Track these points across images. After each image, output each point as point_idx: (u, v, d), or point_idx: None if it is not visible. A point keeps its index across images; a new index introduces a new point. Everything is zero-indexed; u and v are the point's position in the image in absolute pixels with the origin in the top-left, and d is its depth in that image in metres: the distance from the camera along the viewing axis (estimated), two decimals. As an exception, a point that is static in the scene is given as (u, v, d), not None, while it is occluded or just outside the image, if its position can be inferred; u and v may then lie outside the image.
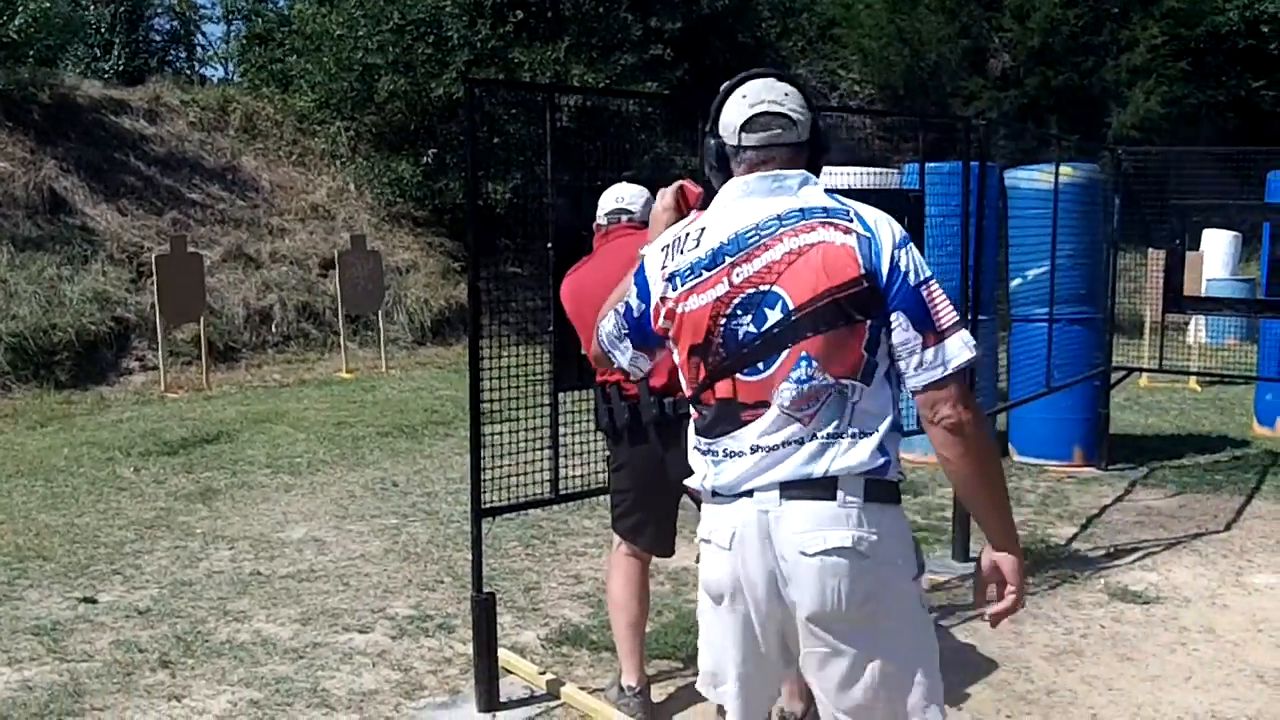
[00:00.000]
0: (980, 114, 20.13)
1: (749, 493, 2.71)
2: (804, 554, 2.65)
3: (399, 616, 5.72)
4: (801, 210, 2.74)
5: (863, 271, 2.66)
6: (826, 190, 2.81)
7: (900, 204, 6.44)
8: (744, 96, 2.84)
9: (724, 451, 2.75)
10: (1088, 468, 9.11)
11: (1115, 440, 9.55)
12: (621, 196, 4.62)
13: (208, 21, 51.29)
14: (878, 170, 9.89)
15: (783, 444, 2.68)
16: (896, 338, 2.68)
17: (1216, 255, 15.77)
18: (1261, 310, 9.38)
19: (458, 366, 13.92)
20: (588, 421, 5.38)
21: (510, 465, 4.93)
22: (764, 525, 2.68)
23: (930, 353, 2.65)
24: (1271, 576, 6.48)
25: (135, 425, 10.52)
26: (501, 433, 4.94)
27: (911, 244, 2.73)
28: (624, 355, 3.00)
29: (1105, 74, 21.16)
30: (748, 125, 2.82)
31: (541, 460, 4.96)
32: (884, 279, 2.67)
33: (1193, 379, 13.08)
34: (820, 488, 2.66)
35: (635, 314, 2.92)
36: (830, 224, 2.71)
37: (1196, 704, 4.85)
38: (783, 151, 2.81)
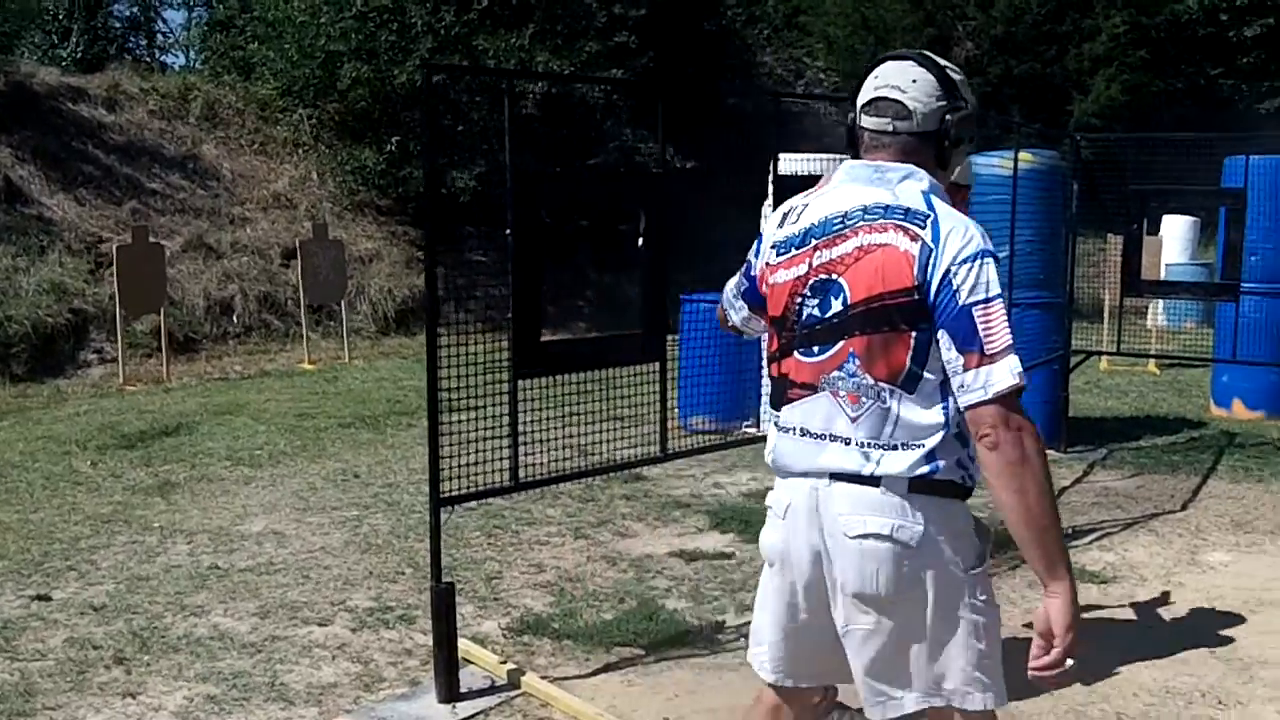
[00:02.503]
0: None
1: (804, 473, 2.83)
2: (846, 535, 2.75)
3: (359, 608, 5.70)
4: (886, 207, 2.75)
5: (915, 282, 2.67)
6: (927, 190, 2.78)
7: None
8: (875, 76, 2.87)
9: (779, 426, 2.90)
10: (1048, 450, 9.13)
11: (1075, 423, 9.61)
12: None
13: (168, 8, 50.85)
14: (840, 157, 9.89)
15: (829, 435, 2.78)
16: (944, 355, 2.67)
17: (1175, 240, 15.86)
18: (1217, 293, 9.47)
19: (421, 356, 13.73)
20: (549, 408, 5.41)
21: (470, 454, 4.93)
22: (813, 502, 2.80)
23: (971, 375, 2.63)
24: (1225, 554, 6.55)
25: (92, 418, 10.43)
26: (462, 421, 4.94)
27: (986, 260, 2.67)
28: (738, 314, 3.17)
29: (1067, 62, 21.27)
30: (868, 107, 2.85)
31: (501, 449, 4.95)
32: (932, 294, 2.66)
33: (1151, 362, 13.17)
34: (867, 481, 2.74)
35: (751, 274, 3.05)
36: (903, 228, 2.71)
37: (1151, 680, 4.90)
38: (897, 139, 2.82)
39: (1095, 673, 4.95)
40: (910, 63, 2.85)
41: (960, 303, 2.64)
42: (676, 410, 8.61)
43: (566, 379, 5.24)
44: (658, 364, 5.37)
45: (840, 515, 2.75)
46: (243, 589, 5.99)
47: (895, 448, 2.72)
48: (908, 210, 2.73)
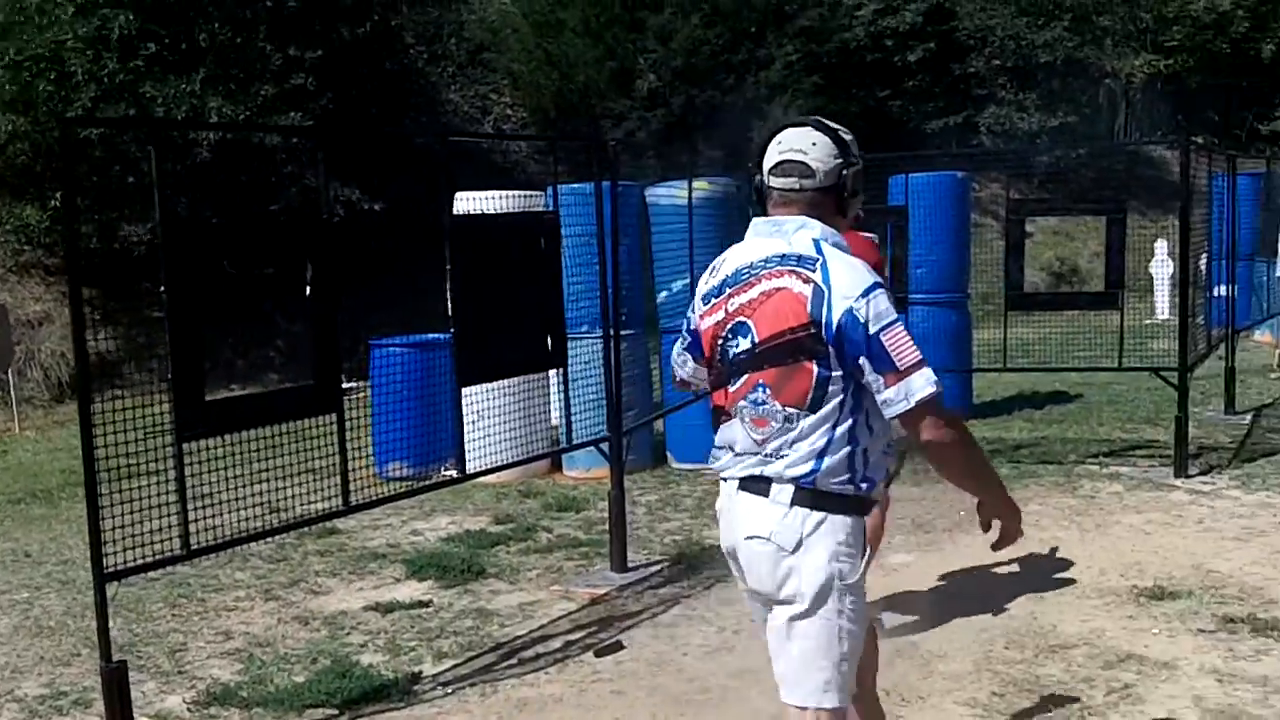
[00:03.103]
0: (631, 133, 20.58)
1: (729, 479, 3.25)
2: (743, 537, 3.17)
3: (29, 697, 5.34)
4: (783, 255, 3.14)
5: (810, 318, 3.05)
6: (818, 238, 3.14)
7: (534, 225, 6.50)
8: (778, 142, 3.24)
9: (719, 444, 3.32)
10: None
11: (766, 441, 9.88)
12: None
13: None
14: (524, 193, 9.94)
15: (746, 453, 3.18)
16: (866, 378, 3.04)
17: (855, 256, 16.56)
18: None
19: (99, 423, 13.20)
20: (224, 470, 5.20)
21: (144, 523, 4.70)
22: (730, 506, 3.24)
23: (893, 390, 3.01)
24: (907, 555, 6.85)
25: None
26: (135, 489, 4.71)
27: (877, 293, 3.04)
28: (684, 369, 3.52)
29: (746, 90, 21.93)
30: (775, 169, 3.22)
31: (170, 516, 4.73)
32: (832, 328, 3.03)
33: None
34: (759, 484, 3.14)
35: (691, 329, 3.42)
36: (796, 272, 3.10)
37: (839, 689, 5.05)
38: (804, 195, 3.20)
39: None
40: (809, 128, 3.25)
41: (870, 332, 3.01)
42: (372, 458, 8.48)
43: (257, 433, 5.08)
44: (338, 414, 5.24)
45: (740, 519, 3.18)
46: (-100, 687, 5.55)
47: (793, 464, 3.09)
48: (800, 257, 3.11)
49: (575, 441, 7.20)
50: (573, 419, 7.05)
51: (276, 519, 5.64)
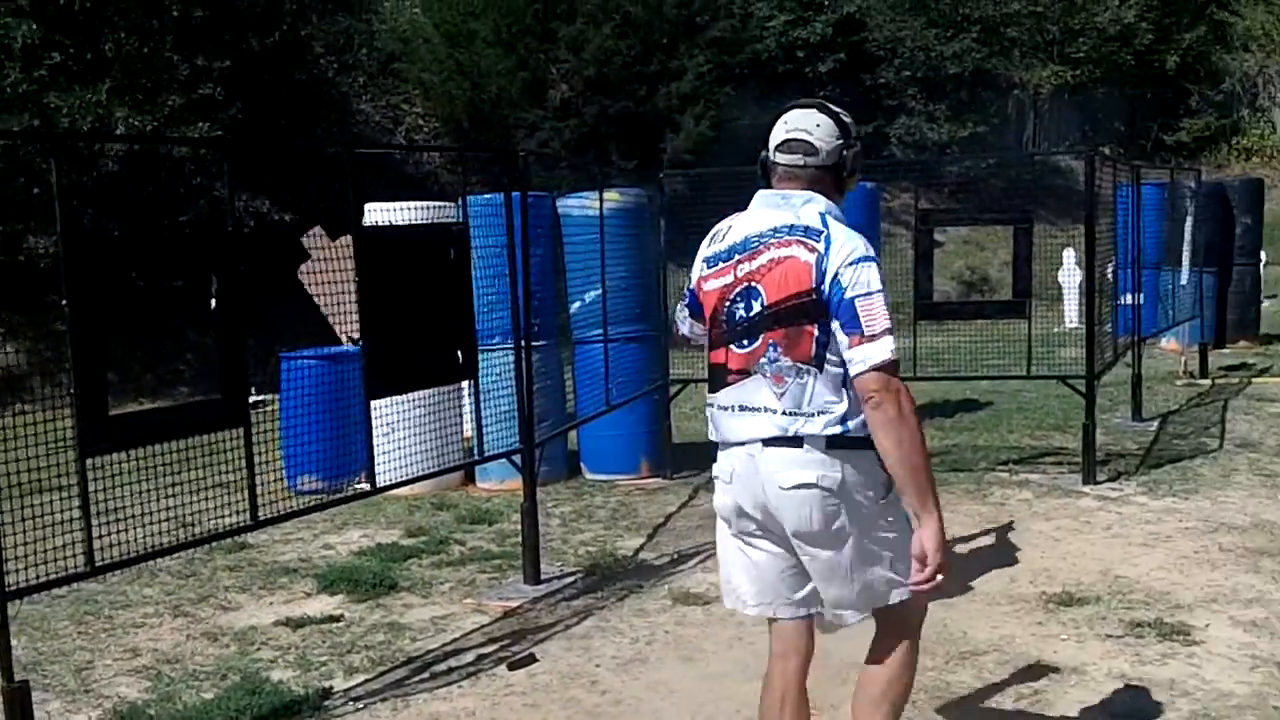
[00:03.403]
0: (544, 144, 20.56)
1: (741, 442, 3.49)
2: (781, 488, 3.42)
3: (-73, 719, 5.24)
4: (790, 226, 3.47)
5: (814, 285, 3.38)
6: (824, 211, 3.49)
7: (444, 237, 6.48)
8: (784, 121, 3.57)
9: (718, 406, 3.56)
10: (654, 478, 9.42)
11: (681, 449, 9.92)
12: None
13: None
14: (435, 204, 9.89)
15: (761, 408, 3.44)
16: (838, 338, 3.36)
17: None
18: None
19: (5, 437, 12.96)
20: (132, 484, 5.13)
21: (43, 540, 4.62)
22: (752, 465, 3.46)
23: (856, 351, 3.32)
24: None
25: None
26: (39, 505, 4.63)
27: (867, 264, 3.38)
28: (684, 324, 3.89)
29: (658, 101, 21.99)
30: (780, 146, 3.55)
31: (74, 532, 4.65)
32: (826, 293, 3.37)
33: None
34: (791, 442, 3.41)
35: (690, 289, 3.76)
36: (803, 242, 3.43)
37: (751, 694, 4.97)
38: (806, 172, 3.53)
39: (693, 695, 5.10)
40: (813, 110, 3.57)
41: (846, 297, 3.34)
42: (283, 471, 8.39)
43: (166, 447, 5.01)
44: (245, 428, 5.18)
45: (774, 473, 3.42)
46: None
47: (813, 415, 3.40)
48: (807, 228, 3.45)
49: (488, 453, 7.17)
50: (485, 431, 7.02)
51: (185, 534, 5.56)
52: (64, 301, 4.48)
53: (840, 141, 3.54)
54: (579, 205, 9.15)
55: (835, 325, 3.35)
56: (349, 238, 6.11)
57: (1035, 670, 5.21)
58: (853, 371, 3.34)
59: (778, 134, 3.57)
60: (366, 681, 5.42)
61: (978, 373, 10.91)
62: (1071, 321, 16.21)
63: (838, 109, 3.62)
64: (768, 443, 3.44)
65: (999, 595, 6.23)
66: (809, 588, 3.61)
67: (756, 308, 3.47)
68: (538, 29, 21.78)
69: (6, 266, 14.03)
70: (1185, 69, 31.35)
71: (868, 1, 28.73)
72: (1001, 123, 30.36)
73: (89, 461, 4.53)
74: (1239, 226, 16.19)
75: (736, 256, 3.55)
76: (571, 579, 6.83)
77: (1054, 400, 11.34)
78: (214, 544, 6.55)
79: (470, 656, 5.69)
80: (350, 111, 21.64)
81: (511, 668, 5.46)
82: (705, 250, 3.69)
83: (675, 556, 7.23)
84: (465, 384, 7.37)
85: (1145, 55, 30.31)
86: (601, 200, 8.65)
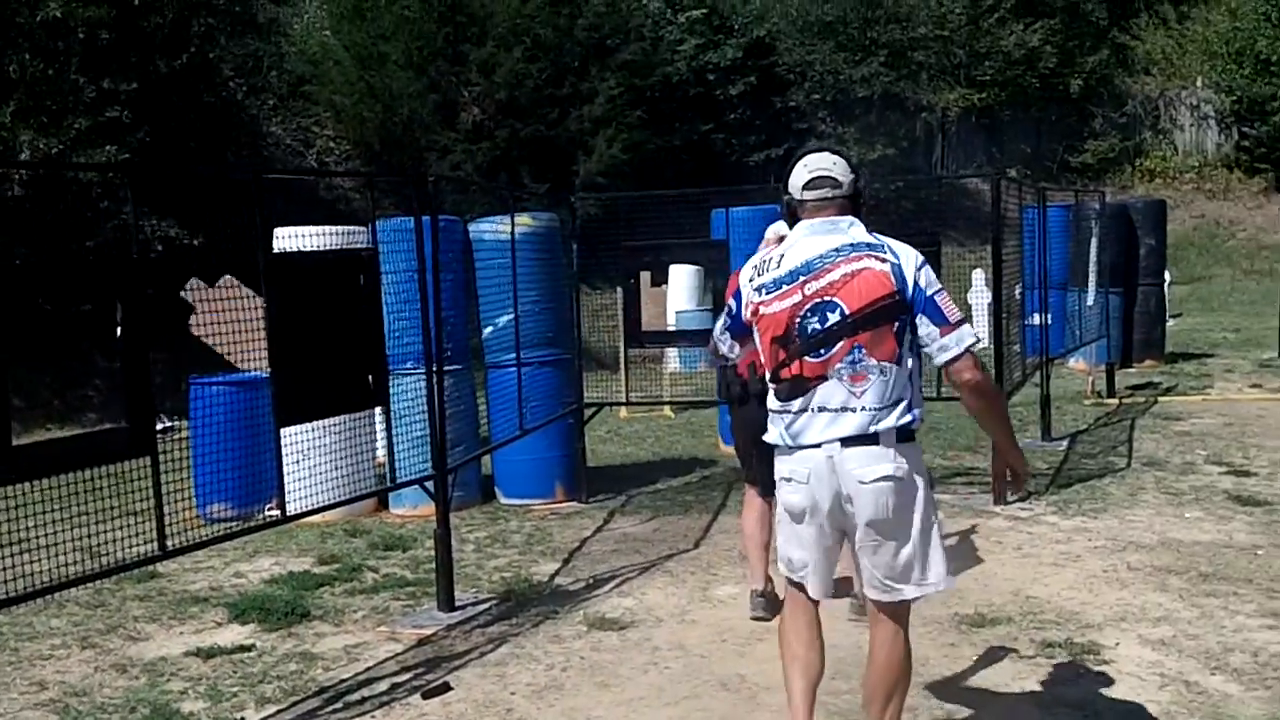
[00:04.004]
0: (456, 166, 20.49)
1: (818, 444, 4.01)
2: (862, 482, 3.98)
3: None
4: (853, 244, 4.08)
5: (895, 288, 4.00)
6: (868, 229, 4.15)
7: (353, 262, 6.43)
8: (805, 165, 4.22)
9: (795, 411, 4.07)
10: (570, 502, 9.40)
11: (596, 473, 9.92)
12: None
13: None
14: (345, 229, 9.79)
15: (841, 409, 3.99)
16: (921, 331, 4.03)
17: (682, 289, 16.67)
18: (706, 339, 9.98)
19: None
20: (37, 514, 5.03)
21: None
22: (830, 465, 4.01)
23: (948, 338, 4.00)
24: (734, 588, 6.88)
25: None
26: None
27: (927, 266, 4.09)
28: (725, 344, 4.57)
29: (570, 124, 22.01)
30: (807, 185, 4.18)
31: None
32: (909, 293, 4.01)
33: (667, 406, 13.75)
34: (869, 440, 3.98)
35: (734, 314, 4.34)
36: (872, 255, 4.05)
37: (667, 719, 5.08)
38: (833, 203, 4.17)
39: (611, 720, 5.09)
40: (825, 152, 4.26)
41: (927, 295, 4.01)
42: (193, 499, 8.27)
43: (75, 475, 4.91)
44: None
45: (854, 469, 3.98)
46: None
47: (892, 407, 3.99)
48: (868, 244, 4.09)
49: (400, 480, 7.11)
50: (398, 456, 6.97)
51: (94, 564, 5.46)
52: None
53: (853, 176, 4.21)
54: (491, 229, 9.12)
55: (922, 319, 4.01)
56: (228, 278, 6.08)
57: (947, 691, 5.26)
58: (946, 356, 4.02)
59: (800, 176, 4.20)
60: (279, 712, 5.35)
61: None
62: (981, 342, 16.41)
63: (843, 150, 4.48)
64: (846, 442, 3.99)
65: (912, 617, 6.26)
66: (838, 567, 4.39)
67: (834, 318, 4.01)
68: (449, 51, 21.74)
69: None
70: (1089, 92, 31.95)
71: (777, 26, 29.00)
72: (910, 145, 30.75)
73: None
74: (1143, 247, 16.53)
75: (801, 278, 4.06)
76: (486, 605, 6.79)
77: (964, 420, 11.44)
78: (123, 574, 6.40)
79: (384, 685, 5.64)
80: (260, 134, 21.42)
81: (426, 696, 5.42)
82: (756, 280, 4.20)
83: (590, 581, 7.21)
84: (377, 410, 7.30)
85: (1050, 78, 30.85)
86: (514, 224, 8.63)
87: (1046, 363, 11.63)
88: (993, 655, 5.69)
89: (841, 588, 5.89)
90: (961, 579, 6.82)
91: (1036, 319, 11.47)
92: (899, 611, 4.21)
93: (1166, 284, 17.66)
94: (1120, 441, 10.99)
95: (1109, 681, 5.29)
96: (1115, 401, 13.54)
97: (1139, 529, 7.85)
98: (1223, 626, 5.94)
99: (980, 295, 17.41)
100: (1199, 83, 32.43)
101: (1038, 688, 5.27)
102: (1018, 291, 10.61)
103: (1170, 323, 18.40)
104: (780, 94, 28.55)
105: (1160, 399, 13.53)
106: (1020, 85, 30.73)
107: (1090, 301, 13.37)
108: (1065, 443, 11.05)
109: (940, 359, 4.04)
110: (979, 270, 17.46)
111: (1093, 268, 13.28)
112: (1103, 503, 8.59)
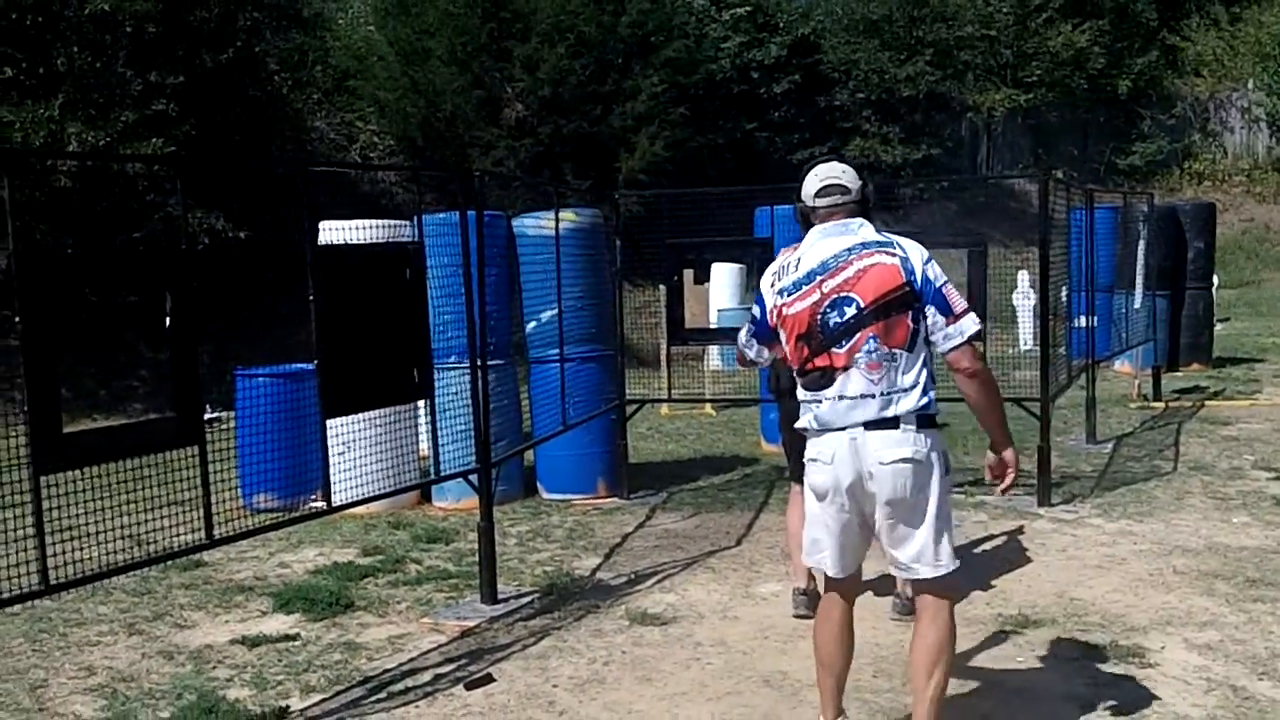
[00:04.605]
0: (499, 162, 20.54)
1: (842, 428, 4.28)
2: (881, 463, 4.23)
3: (-125, 739, 5.16)
4: (863, 243, 4.36)
5: (905, 281, 4.28)
6: (877, 228, 4.45)
7: (399, 256, 6.45)
8: (816, 174, 4.52)
9: (824, 399, 4.32)
10: (611, 498, 9.41)
11: (637, 469, 9.92)
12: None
13: None
14: (390, 223, 9.84)
15: (861, 396, 4.26)
16: (930, 321, 4.29)
17: (724, 286, 16.67)
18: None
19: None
20: (87, 501, 5.07)
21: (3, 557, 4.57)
22: (853, 447, 4.26)
23: (951, 328, 4.29)
24: (776, 585, 6.87)
25: None
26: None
27: (933, 261, 4.37)
28: (751, 349, 4.75)
29: (613, 121, 21.99)
30: (819, 193, 4.48)
31: (28, 550, 4.59)
32: (918, 285, 4.29)
33: (708, 404, 13.74)
34: (890, 423, 4.24)
35: (758, 320, 4.58)
36: (882, 251, 4.33)
37: (708, 715, 5.07)
38: (843, 208, 4.46)
39: (650, 715, 5.09)
40: (834, 161, 4.56)
41: (935, 286, 4.31)
42: (239, 489, 8.32)
43: (122, 464, 4.96)
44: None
45: (875, 450, 4.23)
46: None
47: (906, 391, 4.25)
48: (878, 242, 4.37)
49: (444, 473, 7.14)
50: (441, 450, 6.99)
51: (141, 552, 5.51)
52: (17, 318, 4.44)
53: (860, 183, 4.50)
54: (534, 225, 9.15)
55: (930, 309, 4.28)
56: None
57: (991, 692, 5.23)
58: (950, 344, 4.29)
59: (812, 185, 4.49)
60: (323, 701, 5.38)
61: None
62: (1026, 344, 16.33)
63: (849, 160, 4.67)
64: (869, 425, 4.25)
65: (955, 617, 6.24)
66: (865, 550, 4.55)
67: (851, 311, 4.27)
68: (492, 48, 21.78)
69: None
70: (1137, 93, 31.72)
71: (822, 24, 28.94)
72: (955, 145, 30.64)
73: (43, 479, 4.48)
74: (1191, 250, 16.39)
75: (818, 278, 4.33)
76: (528, 599, 6.81)
77: (1009, 422, 11.39)
78: (169, 562, 6.47)
79: (427, 676, 5.66)
80: (304, 128, 21.52)
81: (468, 688, 5.43)
82: (776, 284, 4.46)
83: (632, 576, 7.22)
84: (421, 403, 7.33)
85: (1098, 79, 30.65)
86: (557, 220, 8.64)
87: (1092, 365, 11.54)
88: (1036, 657, 5.65)
89: (892, 590, 6.22)
90: (1005, 580, 6.83)
91: (1083, 321, 11.39)
92: (938, 591, 4.40)
93: (1214, 288, 17.51)
94: (1166, 445, 10.90)
95: (1154, 685, 5.25)
96: (1161, 405, 13.43)
97: (1185, 533, 7.78)
98: (1270, 632, 5.88)
99: (1025, 297, 17.35)
100: (1250, 85, 32.12)
101: (1082, 690, 5.23)
102: (1064, 294, 10.54)
103: (1218, 327, 18.26)
104: (824, 93, 28.49)
105: (1207, 403, 13.41)
106: (1068, 86, 30.55)
107: (1137, 304, 13.25)
108: (1110, 445, 10.97)
109: (944, 346, 4.31)
110: (1024, 271, 17.40)
111: (1140, 270, 13.16)
112: (1148, 506, 8.53)
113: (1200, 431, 11.53)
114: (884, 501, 4.28)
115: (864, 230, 4.42)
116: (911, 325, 4.28)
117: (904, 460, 4.23)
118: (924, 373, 4.31)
